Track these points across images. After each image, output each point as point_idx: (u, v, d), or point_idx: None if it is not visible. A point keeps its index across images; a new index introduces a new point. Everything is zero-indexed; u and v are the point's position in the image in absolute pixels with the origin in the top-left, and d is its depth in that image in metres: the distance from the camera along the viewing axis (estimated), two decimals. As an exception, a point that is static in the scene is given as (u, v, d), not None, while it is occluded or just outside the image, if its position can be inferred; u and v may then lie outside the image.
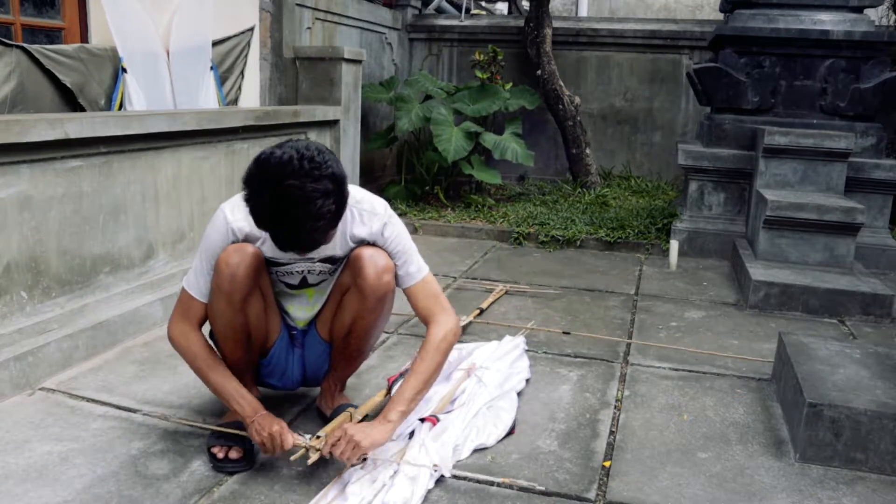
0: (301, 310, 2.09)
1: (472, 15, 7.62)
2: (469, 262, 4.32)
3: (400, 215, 5.24)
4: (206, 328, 1.98)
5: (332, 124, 4.70)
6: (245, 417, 1.89)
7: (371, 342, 2.11)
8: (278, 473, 1.91)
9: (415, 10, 7.00)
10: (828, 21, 4.54)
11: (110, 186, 2.82)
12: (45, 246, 2.55)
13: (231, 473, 1.90)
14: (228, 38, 4.20)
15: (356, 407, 2.12)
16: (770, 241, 3.92)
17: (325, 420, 2.12)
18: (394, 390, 2.19)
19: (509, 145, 5.51)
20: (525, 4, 8.49)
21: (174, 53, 3.71)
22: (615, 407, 2.41)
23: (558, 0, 10.77)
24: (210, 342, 1.98)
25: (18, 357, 2.36)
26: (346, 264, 1.99)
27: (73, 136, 2.55)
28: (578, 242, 4.77)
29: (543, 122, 6.53)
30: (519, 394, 2.41)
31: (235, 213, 1.86)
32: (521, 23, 6.51)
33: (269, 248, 1.89)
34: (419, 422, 2.07)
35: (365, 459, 1.86)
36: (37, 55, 3.01)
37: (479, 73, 5.83)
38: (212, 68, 3.97)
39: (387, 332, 2.98)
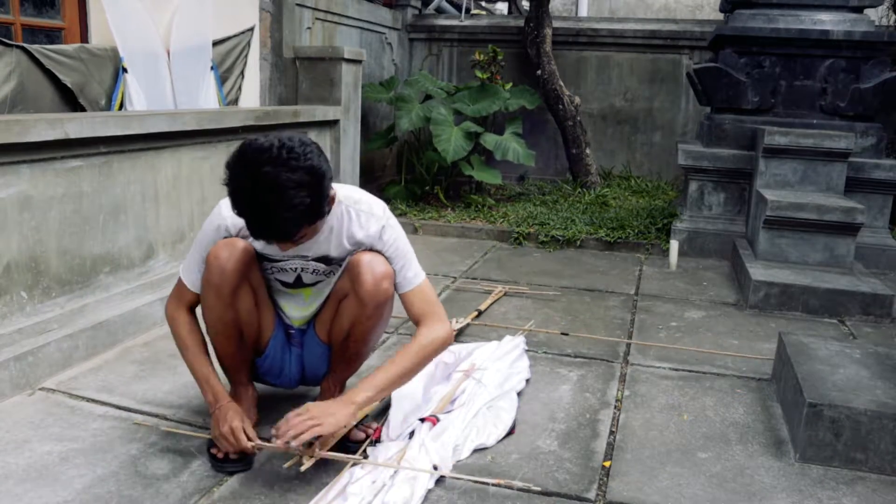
0: (297, 309, 2.09)
1: (472, 15, 7.62)
2: (469, 262, 4.32)
3: (400, 215, 5.29)
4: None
5: (332, 124, 4.70)
6: (209, 405, 1.91)
7: (370, 345, 2.11)
8: (278, 473, 1.90)
9: (415, 10, 7.00)
10: (828, 21, 4.54)
11: (110, 186, 2.82)
12: (45, 246, 2.55)
13: (231, 473, 1.90)
14: (229, 38, 4.20)
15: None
16: (770, 241, 3.92)
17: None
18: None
19: (510, 145, 5.51)
20: (525, 4, 8.49)
21: (174, 53, 3.71)
22: (615, 407, 2.41)
23: (558, 0, 10.77)
24: (201, 328, 2.00)
25: (18, 357, 2.36)
26: (345, 270, 1.98)
27: (73, 136, 2.55)
28: (578, 242, 4.77)
29: (543, 122, 6.53)
30: (519, 394, 2.41)
31: (232, 209, 1.86)
32: (521, 23, 6.51)
33: (261, 245, 1.90)
34: (419, 422, 2.07)
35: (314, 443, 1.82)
36: (37, 55, 3.01)
37: (479, 73, 5.84)
38: (212, 68, 3.97)
39: (387, 332, 2.98)
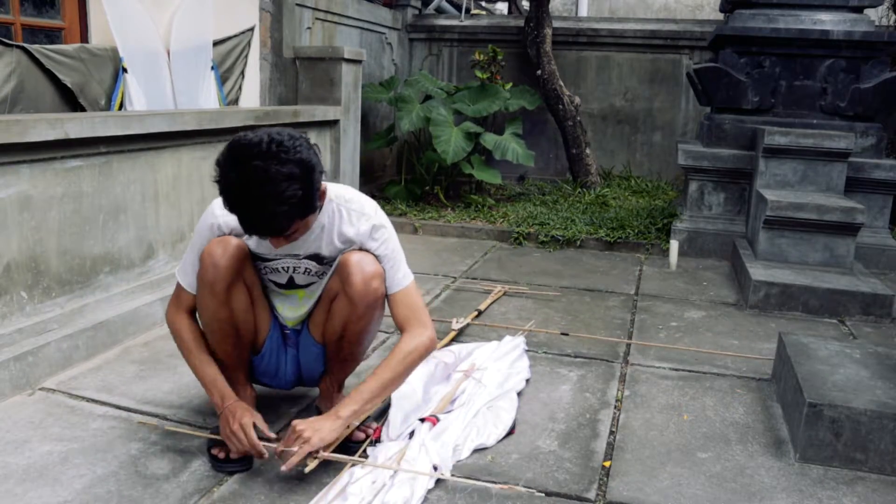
0: (291, 309, 2.08)
1: (472, 15, 7.62)
2: (469, 262, 4.32)
3: (400, 215, 5.29)
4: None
5: (332, 124, 4.70)
6: (215, 406, 1.90)
7: (365, 345, 2.09)
8: (278, 474, 1.90)
9: (415, 10, 7.00)
10: (828, 21, 4.54)
11: (110, 186, 2.82)
12: (45, 246, 2.55)
13: (231, 473, 1.90)
14: (229, 38, 4.20)
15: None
16: (770, 241, 3.92)
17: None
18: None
19: (510, 145, 5.51)
20: (525, 4, 8.49)
21: (175, 53, 3.71)
22: (615, 407, 2.41)
23: (558, 0, 10.77)
24: (202, 331, 2.00)
25: (18, 357, 2.36)
26: (335, 270, 1.97)
27: (73, 136, 2.55)
28: (578, 242, 4.77)
29: (543, 122, 6.53)
30: (519, 394, 2.41)
31: (224, 208, 1.86)
32: (521, 23, 6.51)
33: (254, 243, 1.90)
34: (419, 422, 2.07)
35: (316, 457, 1.82)
36: (37, 55, 3.01)
37: (479, 73, 5.84)
38: (213, 68, 3.97)
39: (387, 332, 2.98)
